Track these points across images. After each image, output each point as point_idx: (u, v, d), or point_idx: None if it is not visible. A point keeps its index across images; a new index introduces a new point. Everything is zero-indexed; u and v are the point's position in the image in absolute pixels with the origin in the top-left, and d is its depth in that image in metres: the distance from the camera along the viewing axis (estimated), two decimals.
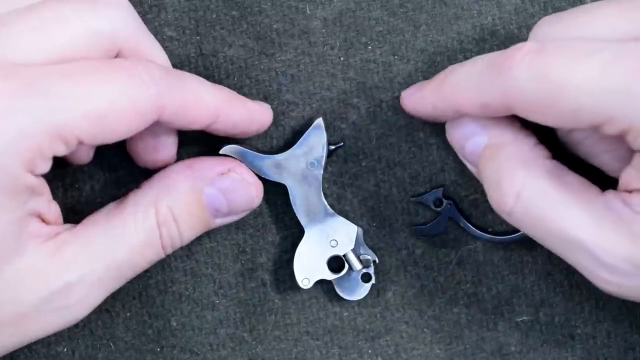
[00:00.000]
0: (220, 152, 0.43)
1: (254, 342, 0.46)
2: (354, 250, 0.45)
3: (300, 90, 0.45)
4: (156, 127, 0.40)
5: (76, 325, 0.45)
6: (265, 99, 0.45)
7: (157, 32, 0.45)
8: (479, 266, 0.45)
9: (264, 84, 0.45)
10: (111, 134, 0.38)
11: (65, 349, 0.45)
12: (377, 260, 0.45)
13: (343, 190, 0.45)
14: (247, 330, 0.46)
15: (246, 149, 0.44)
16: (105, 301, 0.45)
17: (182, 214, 0.41)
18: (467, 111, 0.40)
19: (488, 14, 0.45)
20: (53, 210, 0.39)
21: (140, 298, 0.45)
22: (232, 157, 0.43)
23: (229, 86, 0.45)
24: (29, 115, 0.36)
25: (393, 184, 0.45)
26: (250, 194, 0.43)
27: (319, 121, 0.44)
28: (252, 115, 0.42)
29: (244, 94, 0.45)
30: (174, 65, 0.45)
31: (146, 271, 0.45)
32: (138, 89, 0.38)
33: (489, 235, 0.45)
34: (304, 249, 0.44)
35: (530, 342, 0.45)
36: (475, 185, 0.45)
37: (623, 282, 0.38)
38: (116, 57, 0.40)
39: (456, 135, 0.42)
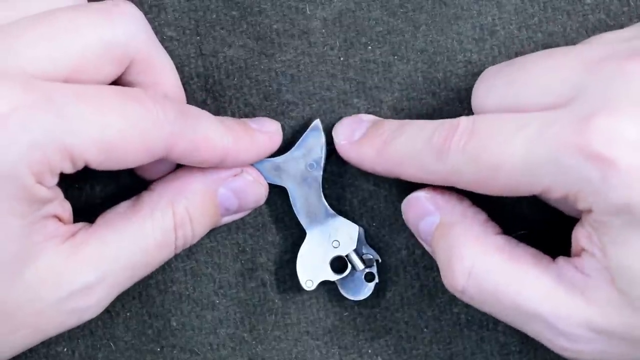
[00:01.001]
0: None
1: (254, 342, 0.46)
2: (356, 250, 0.45)
3: (300, 90, 0.45)
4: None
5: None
6: (265, 99, 0.45)
7: (157, 32, 0.45)
8: None
9: (264, 84, 0.45)
10: (117, 164, 0.38)
11: (65, 349, 0.45)
12: (380, 260, 0.45)
13: (343, 190, 0.45)
14: (247, 330, 0.46)
15: None
16: None
17: (197, 214, 0.41)
18: (410, 180, 0.41)
19: (488, 14, 0.45)
20: (66, 209, 0.40)
21: (140, 298, 0.45)
22: None
23: (228, 86, 0.45)
24: (44, 130, 0.36)
25: (393, 184, 0.45)
26: (260, 193, 0.44)
27: (317, 122, 0.44)
28: (260, 150, 0.43)
29: (244, 94, 0.45)
30: (174, 65, 0.45)
31: None
32: (152, 126, 0.38)
33: None
34: (306, 251, 0.44)
35: (531, 342, 0.45)
36: None
37: (583, 348, 0.38)
38: (128, 68, 0.40)
39: (410, 215, 0.43)
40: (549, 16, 0.45)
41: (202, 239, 0.45)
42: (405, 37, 0.45)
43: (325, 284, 0.45)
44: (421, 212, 0.42)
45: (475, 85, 0.41)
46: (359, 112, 0.45)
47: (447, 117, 0.45)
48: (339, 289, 0.45)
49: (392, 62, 0.45)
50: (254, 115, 0.45)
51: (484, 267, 0.39)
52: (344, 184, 0.45)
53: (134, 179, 0.45)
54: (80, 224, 0.40)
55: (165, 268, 0.45)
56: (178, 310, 0.45)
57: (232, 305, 0.45)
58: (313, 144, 0.44)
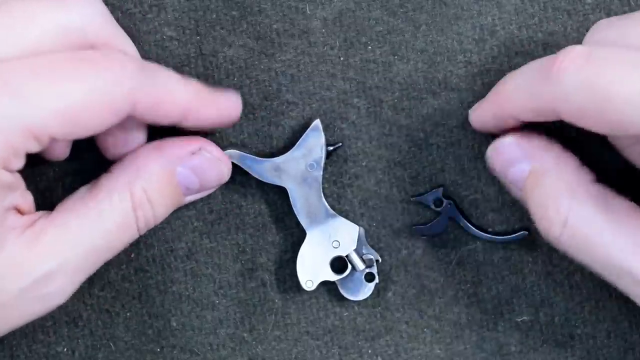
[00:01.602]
0: None
1: (254, 342, 0.46)
2: (356, 250, 0.45)
3: (300, 90, 0.45)
4: (126, 121, 0.40)
5: (76, 325, 0.45)
6: (265, 99, 0.45)
7: (157, 32, 0.45)
8: (479, 266, 0.45)
9: (264, 84, 0.45)
10: (84, 130, 0.38)
11: (65, 349, 0.45)
12: (380, 260, 0.45)
13: (343, 190, 0.45)
14: (247, 330, 0.46)
15: (245, 154, 0.44)
16: (105, 301, 0.45)
17: (155, 194, 0.41)
18: (522, 118, 0.40)
19: (488, 14, 0.45)
20: (28, 200, 0.40)
21: (140, 298, 0.45)
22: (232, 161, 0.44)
23: (229, 86, 0.45)
24: (2, 115, 0.36)
25: (393, 184, 0.45)
26: (221, 170, 0.43)
27: (317, 122, 0.44)
28: (221, 112, 0.42)
29: (244, 94, 0.45)
30: (174, 66, 0.45)
31: (146, 271, 0.45)
32: (111, 84, 0.38)
33: (489, 235, 0.45)
34: (306, 251, 0.44)
35: (530, 342, 0.45)
36: (475, 186, 0.45)
37: None
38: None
39: (498, 162, 0.42)
40: (549, 16, 0.45)
41: (202, 239, 0.45)
42: (406, 37, 0.45)
43: (325, 284, 0.45)
44: (510, 158, 0.41)
45: (589, 32, 0.40)
46: (359, 112, 0.45)
47: (448, 117, 0.45)
48: (339, 289, 0.45)
49: (392, 62, 0.45)
50: (254, 116, 0.45)
51: (579, 217, 0.39)
52: (344, 184, 0.45)
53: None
54: (39, 213, 0.40)
55: (165, 268, 0.45)
56: (178, 311, 0.45)
57: (232, 305, 0.45)
58: (313, 144, 0.44)
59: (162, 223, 0.45)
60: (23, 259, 0.38)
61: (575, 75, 0.37)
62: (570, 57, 0.37)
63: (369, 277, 0.45)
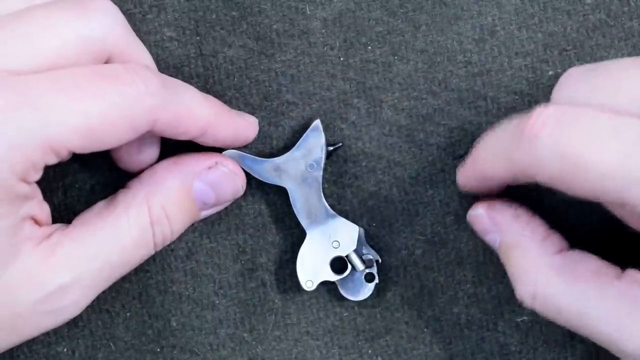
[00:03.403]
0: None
1: (254, 342, 0.46)
2: (356, 251, 0.45)
3: (300, 90, 0.45)
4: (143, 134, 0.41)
5: (76, 325, 0.45)
6: (265, 99, 0.45)
7: (157, 32, 0.45)
8: (479, 266, 0.45)
9: (263, 84, 0.45)
10: (103, 145, 0.38)
11: (65, 349, 0.45)
12: (380, 260, 0.45)
13: (343, 190, 0.45)
14: (247, 330, 0.46)
15: (245, 154, 0.44)
16: (105, 301, 0.45)
17: (173, 210, 0.41)
18: (503, 181, 0.40)
19: (488, 14, 0.45)
20: (45, 211, 0.40)
21: (140, 298, 0.45)
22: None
23: (228, 86, 0.45)
24: (21, 129, 0.36)
25: (393, 184, 0.45)
26: (237, 185, 0.43)
27: (317, 123, 0.44)
28: (238, 132, 0.43)
29: (244, 94, 0.45)
30: (174, 65, 0.45)
31: (146, 271, 0.45)
32: (133, 101, 0.38)
33: None
34: (306, 251, 0.44)
35: (530, 342, 0.45)
36: None
37: None
38: (106, 62, 0.40)
39: (476, 229, 0.43)
40: (549, 16, 0.45)
41: (202, 239, 0.45)
42: (405, 37, 0.45)
43: (325, 284, 0.45)
44: (484, 228, 0.42)
45: (558, 84, 0.39)
46: (359, 112, 0.45)
47: (448, 118, 0.45)
48: (339, 289, 0.45)
49: (392, 62, 0.45)
50: (254, 116, 0.45)
51: (546, 292, 0.39)
52: (344, 184, 0.45)
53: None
54: (56, 225, 0.40)
55: (165, 268, 0.45)
56: (178, 311, 0.45)
57: (232, 306, 0.46)
58: (313, 144, 0.44)
59: None
60: (38, 271, 0.38)
61: (546, 142, 0.36)
62: (542, 121, 0.36)
63: (369, 278, 0.45)
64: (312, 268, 0.44)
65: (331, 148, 0.44)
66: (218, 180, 0.42)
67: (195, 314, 0.45)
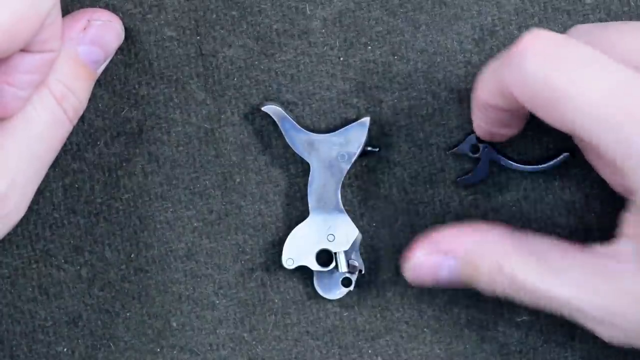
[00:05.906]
0: (262, 109, 0.44)
1: (254, 342, 0.46)
2: (346, 252, 0.44)
3: (300, 90, 0.45)
4: None
5: (76, 325, 0.45)
6: (265, 99, 0.45)
7: (157, 32, 0.45)
8: None
9: (264, 84, 0.45)
10: (17, 45, 0.37)
11: (65, 349, 0.45)
12: (364, 271, 0.45)
13: (343, 190, 0.45)
14: (247, 330, 0.46)
15: (287, 115, 0.44)
16: (105, 301, 0.45)
17: (72, 82, 0.41)
18: (491, 102, 0.40)
19: (488, 14, 0.45)
20: None
21: (140, 298, 0.45)
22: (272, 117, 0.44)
23: (228, 86, 0.45)
24: None
25: (393, 184, 0.45)
26: (117, 30, 0.43)
27: (366, 119, 0.44)
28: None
29: (244, 94, 0.45)
30: (174, 65, 0.45)
31: (146, 271, 0.45)
32: None
33: (533, 167, 0.44)
34: (300, 231, 0.44)
35: (530, 342, 0.45)
36: (475, 185, 0.45)
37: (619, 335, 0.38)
38: None
39: (424, 273, 0.42)
40: (549, 16, 0.45)
41: (202, 239, 0.45)
42: (405, 37, 0.45)
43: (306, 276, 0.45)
44: (434, 264, 0.42)
45: (573, 27, 0.39)
46: (359, 112, 0.45)
47: (447, 118, 0.45)
48: (314, 280, 0.45)
49: (392, 62, 0.45)
50: (254, 116, 0.45)
51: (510, 272, 0.39)
52: (344, 184, 0.45)
53: (134, 180, 0.45)
54: None
55: (165, 268, 0.45)
56: (178, 311, 0.45)
57: (232, 306, 0.46)
58: (354, 137, 0.44)
59: (161, 223, 0.45)
60: None
61: (533, 61, 0.36)
62: (532, 41, 0.36)
63: (346, 282, 0.45)
64: (298, 248, 0.44)
65: (369, 148, 0.44)
66: (98, 36, 0.42)
67: (195, 314, 0.45)
